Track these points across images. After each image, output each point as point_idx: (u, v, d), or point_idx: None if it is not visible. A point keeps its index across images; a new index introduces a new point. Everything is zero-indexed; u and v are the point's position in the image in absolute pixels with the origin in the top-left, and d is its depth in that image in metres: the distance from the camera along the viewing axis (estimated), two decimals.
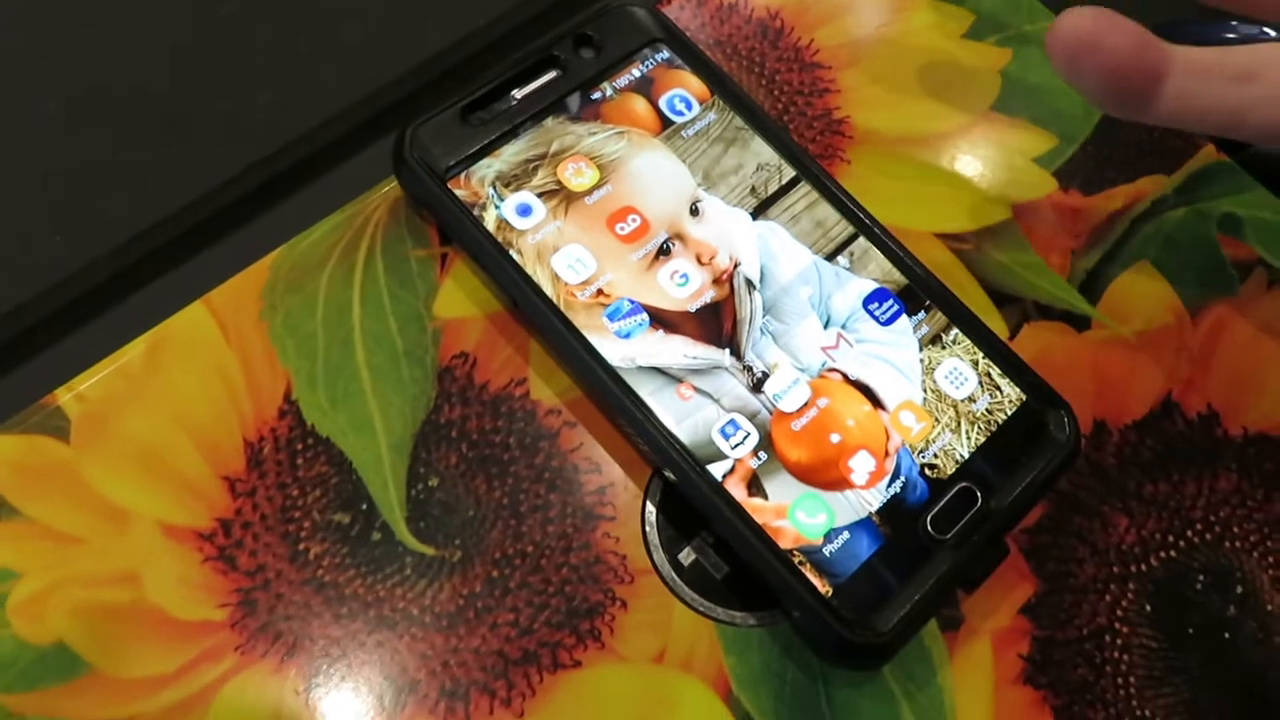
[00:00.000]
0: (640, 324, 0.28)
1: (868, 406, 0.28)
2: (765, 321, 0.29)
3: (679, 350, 0.28)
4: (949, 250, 0.32)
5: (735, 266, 0.29)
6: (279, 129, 0.31)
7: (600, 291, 0.28)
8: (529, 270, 0.28)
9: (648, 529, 0.27)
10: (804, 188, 0.31)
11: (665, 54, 0.32)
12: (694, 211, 0.30)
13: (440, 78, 0.32)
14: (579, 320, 0.28)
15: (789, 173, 0.31)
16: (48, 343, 0.28)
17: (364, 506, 0.27)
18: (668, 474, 0.27)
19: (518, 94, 0.30)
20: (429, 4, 0.34)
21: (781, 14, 0.35)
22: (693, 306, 0.29)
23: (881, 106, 0.34)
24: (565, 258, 0.29)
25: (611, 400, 0.27)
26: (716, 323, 0.29)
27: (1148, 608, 0.28)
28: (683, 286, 0.29)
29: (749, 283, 0.29)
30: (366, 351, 0.29)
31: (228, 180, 0.30)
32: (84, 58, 0.32)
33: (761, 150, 0.31)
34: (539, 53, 0.31)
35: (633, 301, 0.29)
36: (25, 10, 0.33)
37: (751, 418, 0.27)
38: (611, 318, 0.28)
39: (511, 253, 0.28)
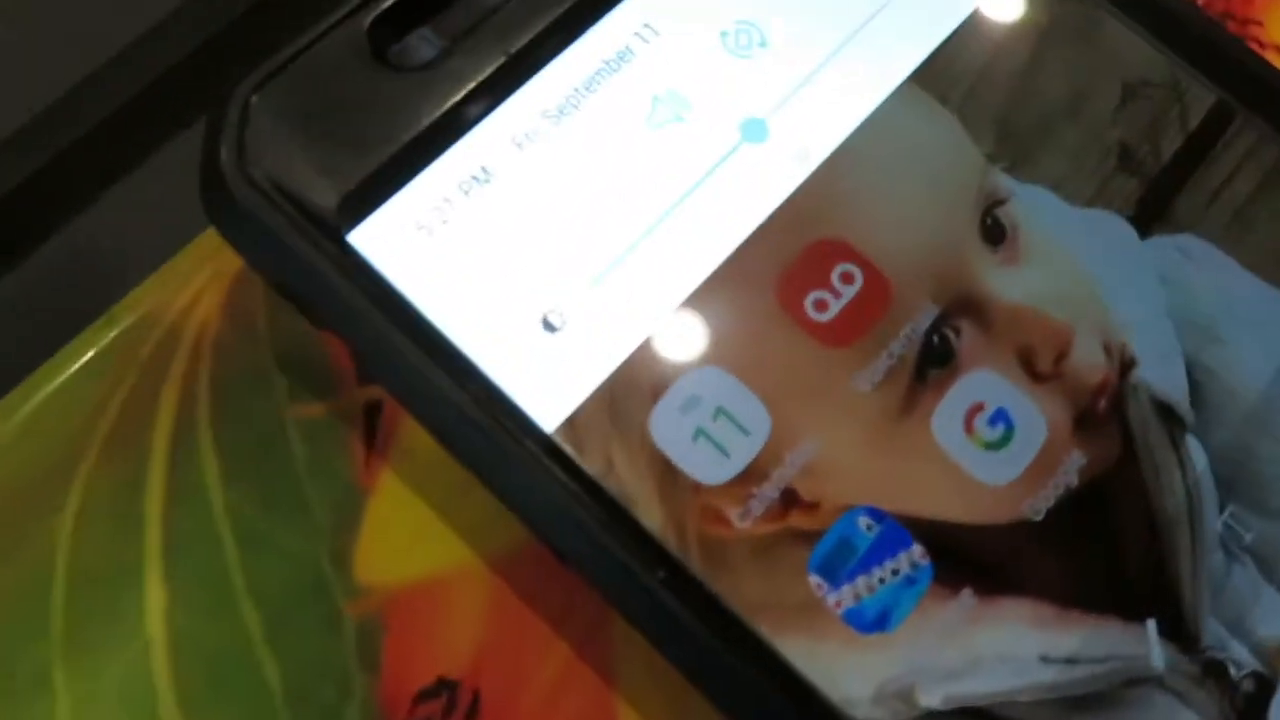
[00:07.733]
0: (909, 581, 0.10)
1: None
2: (1229, 517, 0.11)
3: (1026, 643, 0.10)
4: None
5: (1128, 368, 0.11)
6: None
7: (795, 499, 0.10)
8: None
9: None
10: (1245, 141, 0.12)
11: None
12: (993, 233, 0.12)
13: None
14: (747, 595, 0.10)
15: (1207, 107, 0.12)
16: None
17: None
18: None
19: None
20: None
21: None
22: (1038, 504, 0.11)
23: None
24: (684, 402, 0.11)
25: None
26: (1105, 540, 0.11)
27: None
28: (1002, 448, 0.11)
29: (1166, 410, 0.11)
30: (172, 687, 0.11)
31: None
32: None
33: (1130, 50, 0.12)
34: None
35: (879, 514, 0.10)
36: None
37: None
38: (831, 578, 0.10)
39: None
